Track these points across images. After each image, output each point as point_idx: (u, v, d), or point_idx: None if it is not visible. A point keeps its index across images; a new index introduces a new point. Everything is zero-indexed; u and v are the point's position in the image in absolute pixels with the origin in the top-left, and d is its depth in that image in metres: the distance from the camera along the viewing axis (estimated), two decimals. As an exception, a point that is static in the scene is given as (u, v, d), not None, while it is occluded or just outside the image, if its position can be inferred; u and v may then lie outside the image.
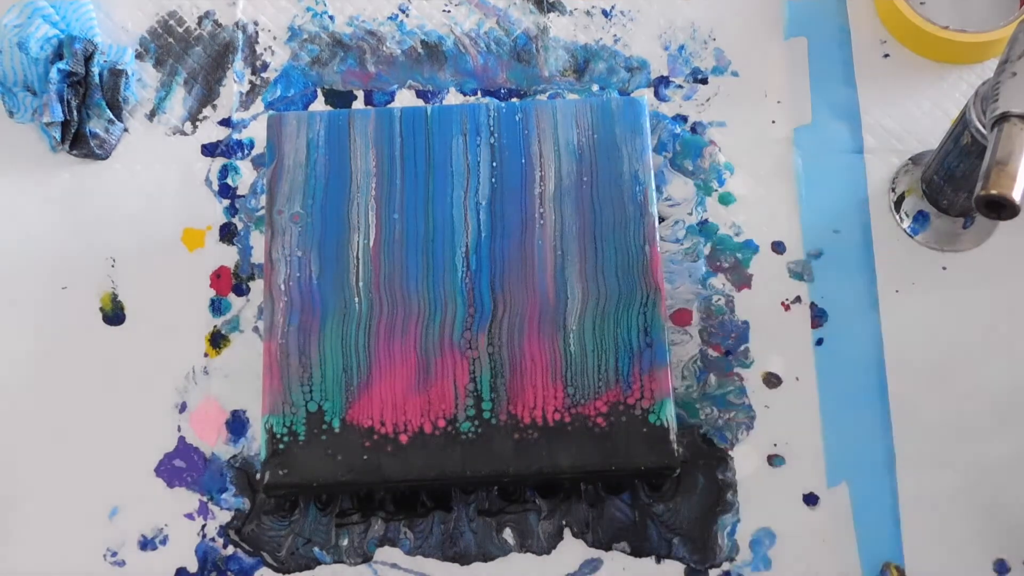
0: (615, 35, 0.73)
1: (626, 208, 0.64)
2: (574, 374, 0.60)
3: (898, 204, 0.69)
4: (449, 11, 0.74)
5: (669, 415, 0.60)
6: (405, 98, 0.72)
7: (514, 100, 0.72)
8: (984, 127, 0.58)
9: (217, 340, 0.67)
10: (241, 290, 0.68)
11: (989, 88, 0.56)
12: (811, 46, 0.73)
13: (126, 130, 0.72)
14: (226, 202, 0.70)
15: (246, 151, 0.71)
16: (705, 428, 0.65)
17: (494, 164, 0.65)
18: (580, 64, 0.73)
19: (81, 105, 0.70)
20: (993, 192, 0.52)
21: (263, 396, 0.60)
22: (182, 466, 0.65)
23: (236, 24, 0.74)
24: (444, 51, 0.73)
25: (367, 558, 0.63)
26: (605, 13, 0.74)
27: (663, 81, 0.72)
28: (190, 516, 0.64)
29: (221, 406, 0.66)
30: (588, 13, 0.74)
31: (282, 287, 0.62)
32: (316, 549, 0.63)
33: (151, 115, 0.72)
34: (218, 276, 0.69)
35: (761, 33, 0.73)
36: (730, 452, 0.65)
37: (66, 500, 0.64)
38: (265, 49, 0.73)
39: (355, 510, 0.63)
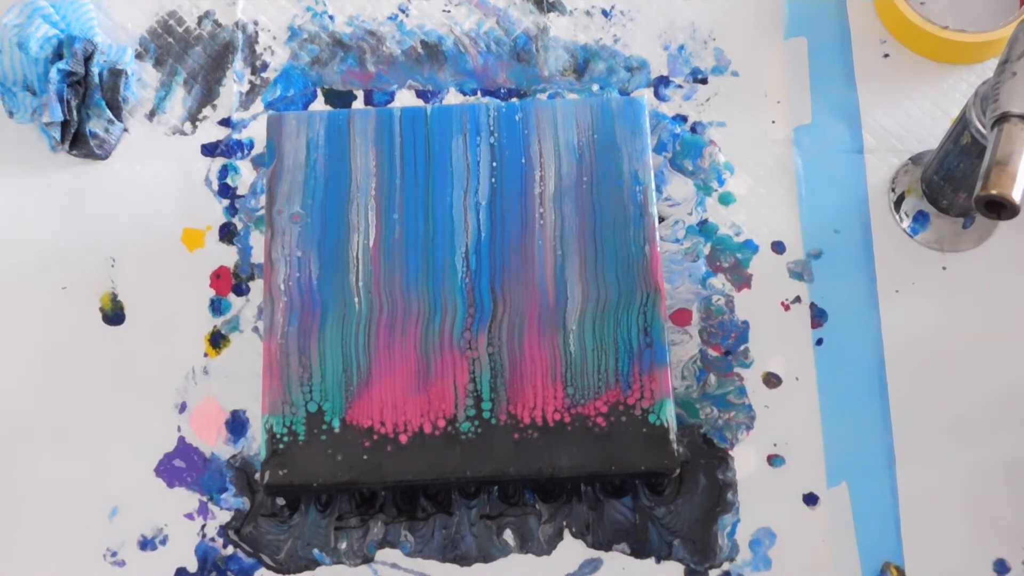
0: (615, 35, 0.73)
1: (626, 208, 0.64)
2: (574, 374, 0.60)
3: (898, 204, 0.69)
4: (449, 11, 0.74)
5: (669, 415, 0.60)
6: (405, 98, 0.72)
7: (514, 100, 0.72)
8: (984, 127, 0.58)
9: (217, 340, 0.67)
10: (241, 290, 0.68)
11: (989, 88, 0.56)
12: (811, 46, 0.73)
13: (126, 130, 0.72)
14: (226, 202, 0.70)
15: (246, 151, 0.71)
16: (705, 428, 0.65)
17: (494, 164, 0.65)
18: (580, 64, 0.73)
19: (81, 105, 0.70)
20: (993, 192, 0.52)
21: (263, 396, 0.60)
22: (182, 466, 0.65)
23: (236, 24, 0.74)
24: (444, 51, 0.73)
25: (367, 559, 0.63)
26: (605, 13, 0.74)
27: (663, 81, 0.72)
28: (190, 516, 0.64)
29: (221, 406, 0.66)
30: (588, 13, 0.74)
31: (282, 287, 0.62)
32: (316, 551, 0.63)
33: (151, 115, 0.72)
34: (218, 276, 0.69)
35: (761, 33, 0.73)
36: (730, 452, 0.65)
37: (66, 500, 0.64)
38: (265, 49, 0.73)
39: (354, 513, 0.63)
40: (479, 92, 0.73)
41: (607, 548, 0.63)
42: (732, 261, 0.69)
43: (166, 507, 0.64)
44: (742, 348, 0.67)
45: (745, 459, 0.65)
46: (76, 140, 0.70)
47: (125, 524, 0.64)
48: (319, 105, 0.72)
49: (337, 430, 0.60)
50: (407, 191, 0.64)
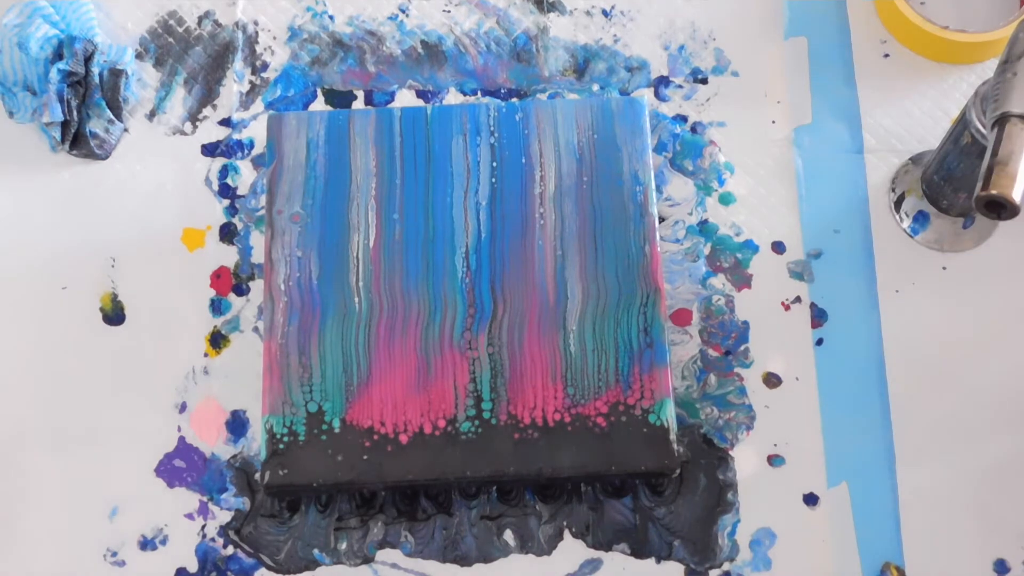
0: (615, 35, 0.73)
1: (626, 208, 0.64)
2: (574, 374, 0.60)
3: (898, 204, 0.69)
4: (449, 11, 0.74)
5: (669, 415, 0.60)
6: (405, 98, 0.72)
7: (514, 100, 0.72)
8: (984, 127, 0.58)
9: (217, 340, 0.67)
10: (241, 290, 0.68)
11: (989, 88, 0.56)
12: (811, 46, 0.73)
13: (126, 130, 0.72)
14: (226, 202, 0.70)
15: (246, 151, 0.71)
16: (705, 428, 0.65)
17: (494, 164, 0.65)
18: (580, 64, 0.73)
19: (81, 105, 0.70)
20: (993, 192, 0.52)
21: (263, 396, 0.61)
22: (182, 466, 0.65)
23: (236, 24, 0.74)
24: (444, 51, 0.73)
25: (368, 560, 0.63)
26: (605, 13, 0.74)
27: (663, 81, 0.72)
28: (190, 516, 0.64)
29: (221, 406, 0.66)
30: (588, 13, 0.74)
31: (282, 287, 0.62)
32: (316, 551, 0.63)
33: (151, 115, 0.72)
34: (218, 276, 0.69)
35: (761, 33, 0.73)
36: (730, 452, 0.65)
37: (66, 500, 0.64)
38: (265, 49, 0.73)
39: (354, 514, 0.63)
40: (479, 92, 0.73)
41: (607, 548, 0.63)
42: (732, 261, 0.69)
43: (166, 507, 0.64)
44: (742, 348, 0.67)
45: (745, 459, 0.65)
46: (76, 140, 0.70)
47: (125, 524, 0.64)
48: (319, 105, 0.72)
49: (337, 430, 0.60)
50: (407, 191, 0.64)
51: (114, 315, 0.68)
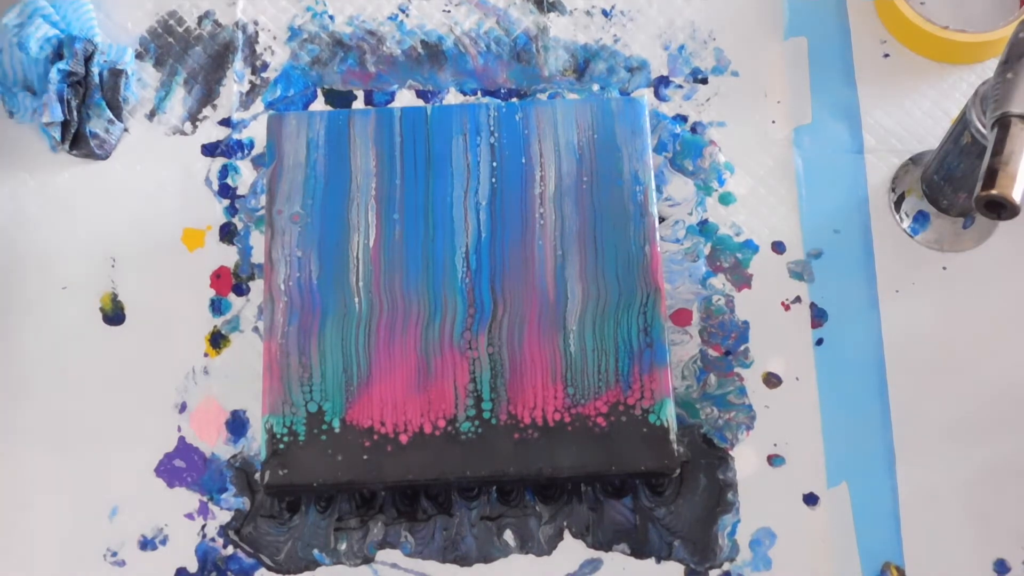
0: (615, 35, 0.73)
1: (626, 208, 0.64)
2: (574, 374, 0.60)
3: (898, 204, 0.69)
4: (449, 11, 0.74)
5: (669, 415, 0.60)
6: (405, 98, 0.72)
7: (514, 100, 0.72)
8: (984, 127, 0.58)
9: (217, 340, 0.67)
10: (241, 290, 0.68)
11: (989, 88, 0.56)
12: (811, 46, 0.73)
13: (126, 130, 0.72)
14: (226, 202, 0.70)
15: (246, 151, 0.71)
16: (705, 428, 0.65)
17: (494, 164, 0.65)
18: (580, 64, 0.73)
19: (81, 105, 0.70)
20: (993, 192, 0.52)
21: (263, 396, 0.60)
22: (182, 466, 0.65)
23: (236, 24, 0.74)
24: (444, 51, 0.73)
25: (368, 560, 0.63)
26: (605, 13, 0.74)
27: (663, 81, 0.72)
28: (190, 516, 0.64)
29: (221, 406, 0.66)
30: (588, 13, 0.74)
31: (282, 287, 0.62)
32: (316, 551, 0.63)
33: (151, 115, 0.72)
34: (218, 276, 0.69)
35: (761, 33, 0.73)
36: (730, 452, 0.65)
37: (66, 500, 0.64)
38: (265, 49, 0.73)
39: (354, 514, 0.63)
40: (479, 92, 0.73)
41: (607, 548, 0.63)
42: (732, 261, 0.69)
43: (166, 507, 0.64)
44: (742, 348, 0.67)
45: (745, 459, 0.65)
46: (76, 140, 0.70)
47: (125, 524, 0.64)
48: (319, 105, 0.72)
49: (337, 430, 0.60)
50: (407, 191, 0.64)
51: (114, 315, 0.68)
